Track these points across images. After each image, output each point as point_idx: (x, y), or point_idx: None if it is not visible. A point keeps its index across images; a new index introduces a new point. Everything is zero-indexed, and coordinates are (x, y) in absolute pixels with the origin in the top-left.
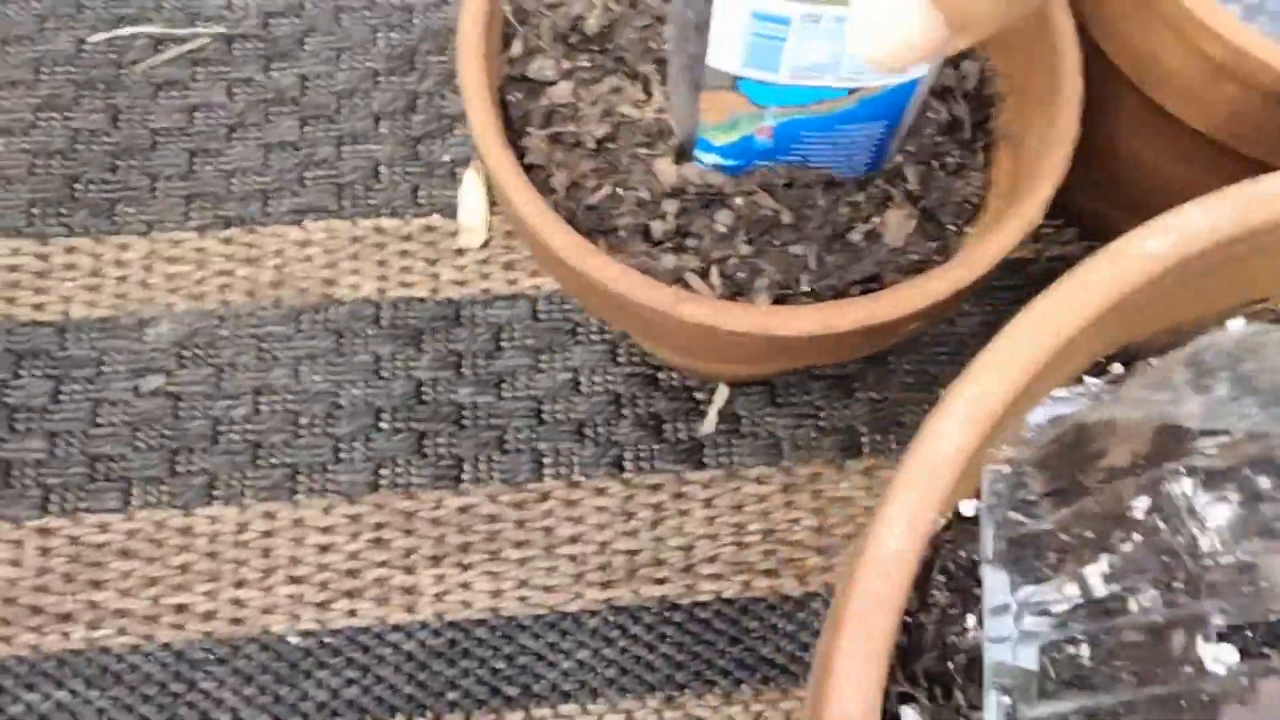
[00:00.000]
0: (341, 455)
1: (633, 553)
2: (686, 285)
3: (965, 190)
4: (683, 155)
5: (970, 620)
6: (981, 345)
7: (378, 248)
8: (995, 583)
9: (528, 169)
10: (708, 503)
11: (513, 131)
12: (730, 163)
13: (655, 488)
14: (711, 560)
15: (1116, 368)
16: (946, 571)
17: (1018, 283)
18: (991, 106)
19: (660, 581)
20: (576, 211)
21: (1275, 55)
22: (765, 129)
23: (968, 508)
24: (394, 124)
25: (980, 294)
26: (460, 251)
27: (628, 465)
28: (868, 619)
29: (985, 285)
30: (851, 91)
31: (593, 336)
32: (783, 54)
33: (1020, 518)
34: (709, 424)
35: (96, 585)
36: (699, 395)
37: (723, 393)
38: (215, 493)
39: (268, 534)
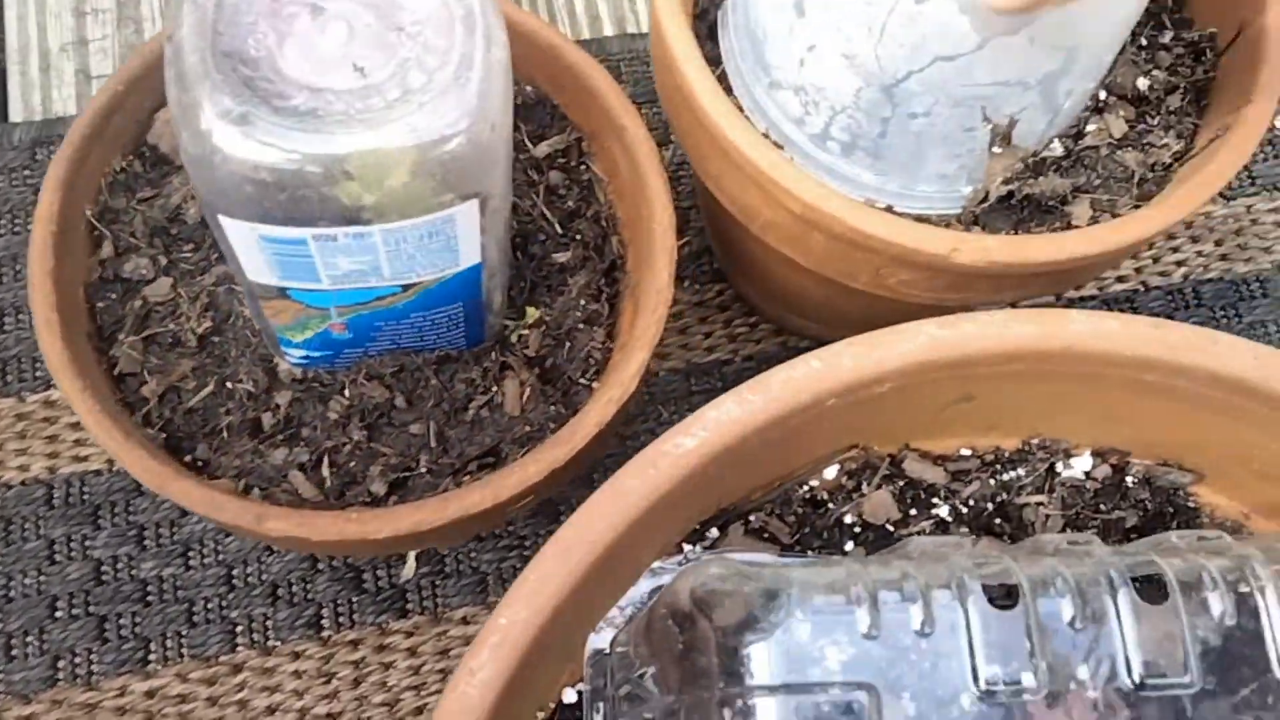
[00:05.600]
0: (13, 652)
1: (333, 716)
2: (291, 484)
3: (590, 345)
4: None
5: None
6: None
7: (47, 423)
8: None
9: (120, 379)
10: (412, 651)
11: (103, 340)
12: (318, 354)
13: (355, 644)
14: (418, 713)
15: (713, 532)
16: None
17: (715, 385)
18: (616, 258)
19: None
20: (174, 418)
21: (844, 208)
22: (337, 325)
23: (570, 695)
24: None
25: (678, 397)
26: None
27: (326, 623)
28: None
29: (621, 423)
30: (406, 287)
31: None
32: (316, 267)
33: (631, 690)
34: (409, 569)
35: None
36: None
37: None
38: None
39: None
